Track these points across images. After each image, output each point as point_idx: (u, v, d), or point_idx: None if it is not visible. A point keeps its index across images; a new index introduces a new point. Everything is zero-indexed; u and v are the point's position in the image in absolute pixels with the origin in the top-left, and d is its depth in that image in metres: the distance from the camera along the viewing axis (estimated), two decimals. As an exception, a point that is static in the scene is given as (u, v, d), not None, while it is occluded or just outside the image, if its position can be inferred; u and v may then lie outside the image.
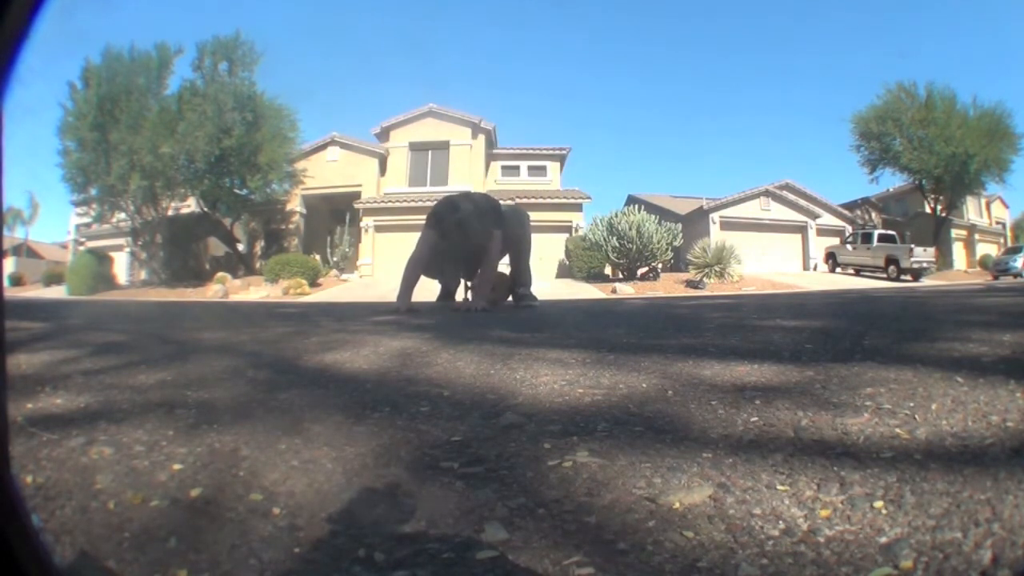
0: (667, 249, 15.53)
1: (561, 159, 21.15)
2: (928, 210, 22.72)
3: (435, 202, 4.90)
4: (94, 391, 1.45)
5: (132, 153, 15.17)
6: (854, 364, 1.45)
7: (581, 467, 0.88)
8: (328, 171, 19.68)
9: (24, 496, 0.53)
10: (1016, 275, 17.58)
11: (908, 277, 16.91)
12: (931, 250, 17.90)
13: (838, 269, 19.53)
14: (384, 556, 0.65)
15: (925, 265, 17.20)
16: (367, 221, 18.64)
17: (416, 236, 4.79)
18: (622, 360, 1.70)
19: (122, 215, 17.43)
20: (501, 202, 5.20)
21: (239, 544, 0.68)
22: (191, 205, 17.97)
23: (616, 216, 15.75)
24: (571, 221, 18.53)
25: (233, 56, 17.04)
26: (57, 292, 16.24)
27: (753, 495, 0.75)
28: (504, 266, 5.08)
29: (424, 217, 4.83)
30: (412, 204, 17.64)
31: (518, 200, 18.55)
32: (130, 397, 1.38)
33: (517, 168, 21.24)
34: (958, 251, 23.98)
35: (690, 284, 14.30)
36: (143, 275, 18.70)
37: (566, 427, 1.07)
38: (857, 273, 18.67)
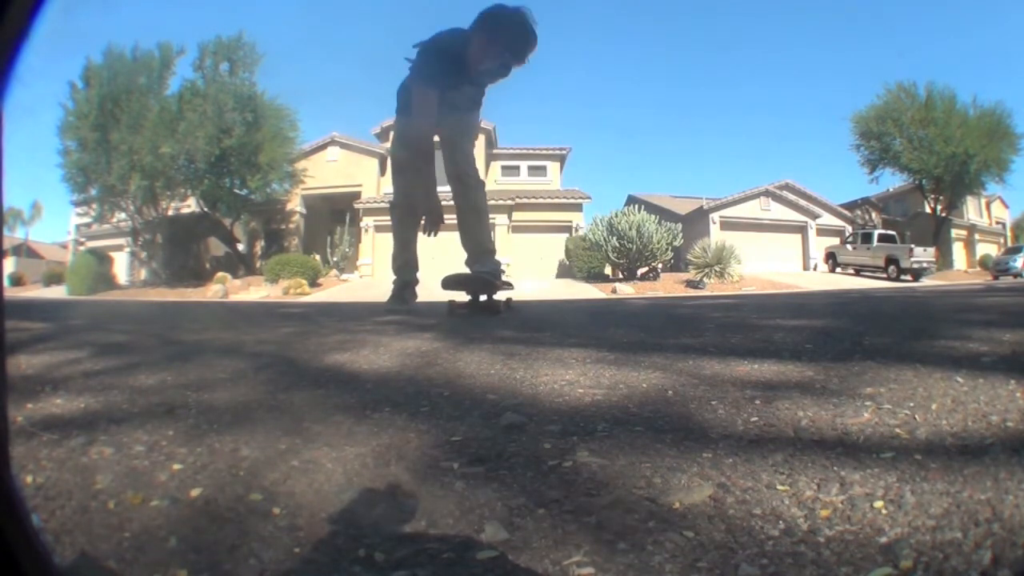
0: (667, 249, 15.55)
1: (561, 159, 21.17)
2: (928, 210, 22.72)
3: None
4: (94, 391, 1.45)
5: (132, 153, 15.20)
6: (854, 364, 1.45)
7: (581, 467, 0.88)
8: (328, 171, 19.71)
9: (24, 496, 0.53)
10: (1016, 275, 17.59)
11: (908, 277, 16.92)
12: (931, 250, 17.91)
13: (838, 269, 19.54)
14: (384, 556, 0.65)
15: (925, 265, 17.21)
16: (367, 221, 18.65)
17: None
18: (622, 360, 1.70)
19: (122, 215, 17.46)
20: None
21: (239, 544, 0.68)
22: (191, 205, 17.99)
23: (616, 216, 15.76)
24: (571, 221, 18.53)
25: (235, 57, 17.07)
26: (57, 292, 16.24)
27: (753, 495, 0.75)
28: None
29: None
30: (412, 204, 17.59)
31: (518, 201, 18.58)
32: (130, 397, 1.38)
33: (517, 168, 21.26)
34: (958, 251, 23.98)
35: (690, 284, 14.31)
36: (143, 275, 18.71)
37: (566, 427, 1.07)
38: (857, 273, 18.67)
